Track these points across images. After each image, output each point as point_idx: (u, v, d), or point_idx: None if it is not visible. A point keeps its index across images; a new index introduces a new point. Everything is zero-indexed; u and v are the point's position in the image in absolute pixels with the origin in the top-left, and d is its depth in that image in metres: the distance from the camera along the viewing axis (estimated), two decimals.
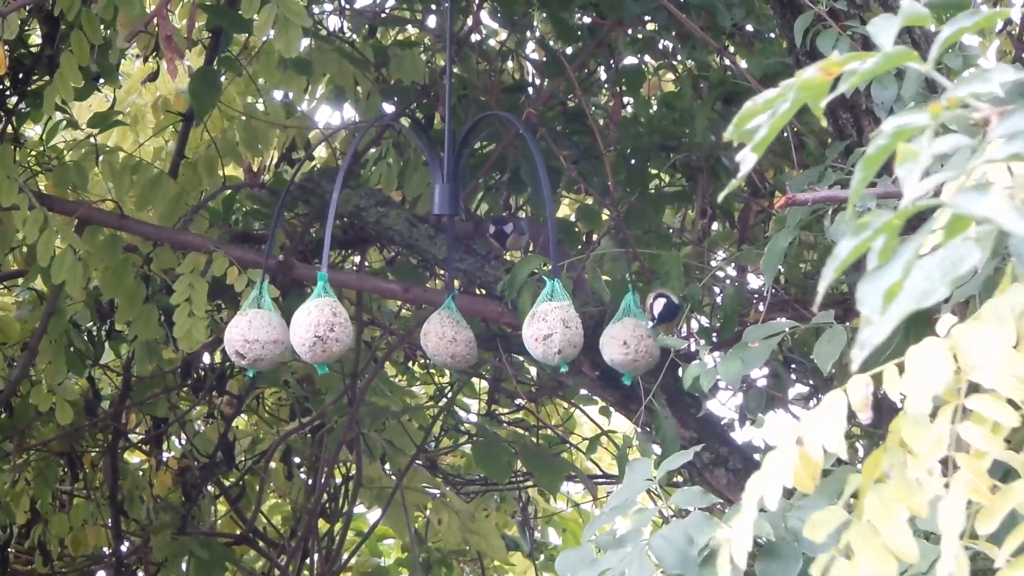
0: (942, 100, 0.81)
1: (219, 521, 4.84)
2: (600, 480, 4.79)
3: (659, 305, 2.87)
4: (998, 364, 1.05)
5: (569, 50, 3.89)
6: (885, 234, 0.79)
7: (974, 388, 1.11)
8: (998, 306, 1.08)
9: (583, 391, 4.27)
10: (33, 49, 3.74)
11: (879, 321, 0.78)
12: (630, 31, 3.81)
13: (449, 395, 4.54)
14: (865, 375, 1.10)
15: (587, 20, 3.86)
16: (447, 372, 4.54)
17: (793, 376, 3.62)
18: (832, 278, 0.86)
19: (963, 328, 1.09)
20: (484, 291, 3.44)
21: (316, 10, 4.04)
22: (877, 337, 0.79)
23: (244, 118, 3.99)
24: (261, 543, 4.73)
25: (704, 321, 3.56)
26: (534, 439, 4.55)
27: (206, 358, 4.38)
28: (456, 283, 3.26)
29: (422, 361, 4.59)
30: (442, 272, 3.73)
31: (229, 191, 3.92)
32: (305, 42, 3.71)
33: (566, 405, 4.78)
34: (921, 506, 1.12)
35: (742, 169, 0.89)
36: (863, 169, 0.83)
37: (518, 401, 4.66)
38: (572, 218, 4.08)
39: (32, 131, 4.22)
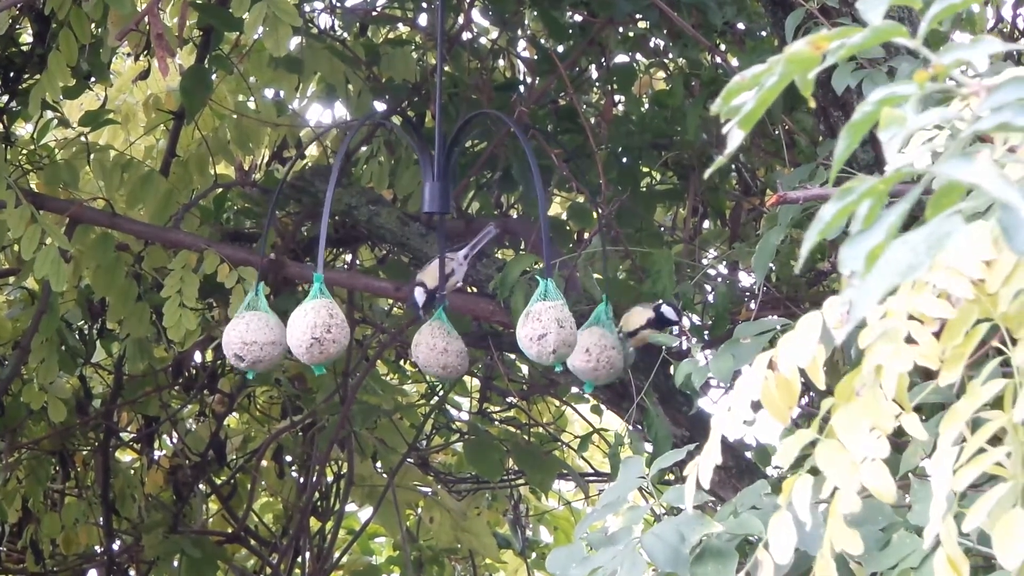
0: (928, 68, 0.81)
1: (211, 519, 4.83)
2: (592, 478, 4.79)
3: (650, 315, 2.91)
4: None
5: (560, 48, 3.89)
6: (870, 199, 0.79)
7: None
8: None
9: (574, 389, 4.27)
10: (24, 48, 3.74)
11: (860, 284, 0.78)
12: (621, 29, 3.81)
13: (440, 393, 4.54)
14: (842, 296, 1.11)
15: (578, 18, 3.86)
16: None
17: None
18: (814, 241, 0.86)
19: None
20: (475, 289, 3.44)
21: (307, 8, 4.04)
22: (864, 304, 0.79)
23: (235, 116, 3.98)
24: (253, 541, 4.72)
25: (696, 319, 3.56)
26: (526, 437, 4.54)
27: (197, 357, 4.38)
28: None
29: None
30: None
31: (220, 189, 3.92)
32: (296, 40, 3.70)
33: (557, 403, 4.78)
34: (887, 421, 1.13)
35: (728, 146, 0.89)
36: (848, 136, 0.83)
37: (510, 399, 4.65)
38: (563, 216, 4.08)
39: (23, 130, 4.22)
